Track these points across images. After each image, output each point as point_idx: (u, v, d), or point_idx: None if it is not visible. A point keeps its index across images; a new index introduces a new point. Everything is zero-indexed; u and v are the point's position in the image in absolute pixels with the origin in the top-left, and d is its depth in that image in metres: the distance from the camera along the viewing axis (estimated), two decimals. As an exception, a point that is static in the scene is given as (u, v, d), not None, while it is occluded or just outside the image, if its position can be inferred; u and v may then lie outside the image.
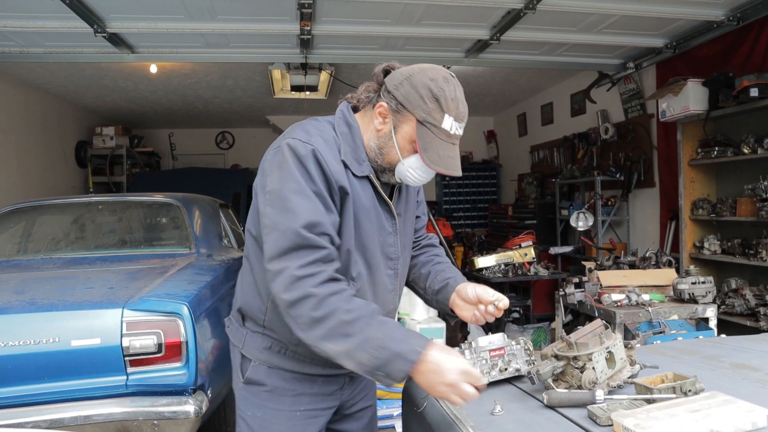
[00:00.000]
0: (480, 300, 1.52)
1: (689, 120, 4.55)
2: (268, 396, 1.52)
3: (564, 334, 1.54)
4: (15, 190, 6.35)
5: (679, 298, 3.21)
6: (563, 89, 7.47)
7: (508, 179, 9.71)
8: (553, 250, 6.19)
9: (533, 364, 1.59)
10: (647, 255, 3.60)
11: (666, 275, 3.39)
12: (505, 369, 1.57)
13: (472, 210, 9.97)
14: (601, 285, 3.34)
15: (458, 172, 1.41)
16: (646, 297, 3.16)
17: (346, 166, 1.40)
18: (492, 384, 1.54)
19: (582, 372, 1.40)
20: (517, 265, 5.19)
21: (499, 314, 1.53)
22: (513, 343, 1.62)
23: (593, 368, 1.40)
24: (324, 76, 5.97)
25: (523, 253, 5.26)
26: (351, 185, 1.40)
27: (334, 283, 1.30)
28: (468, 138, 10.50)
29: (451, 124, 1.37)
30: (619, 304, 3.15)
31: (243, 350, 1.55)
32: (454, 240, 7.72)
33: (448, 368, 1.23)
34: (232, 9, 4.03)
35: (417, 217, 1.74)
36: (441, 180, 9.96)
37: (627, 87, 5.95)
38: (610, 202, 6.08)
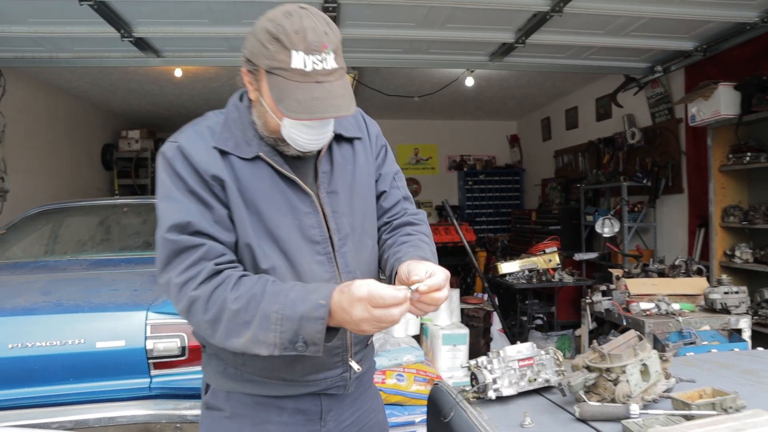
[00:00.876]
0: (409, 280, 1.17)
1: (720, 125, 4.44)
2: (227, 423, 1.35)
3: (596, 344, 1.50)
4: (42, 192, 6.46)
5: (710, 308, 3.12)
6: (588, 93, 7.38)
7: (532, 184, 9.61)
8: (578, 257, 6.10)
9: (563, 374, 1.54)
10: (677, 263, 3.51)
11: (697, 284, 3.30)
12: (534, 379, 1.53)
13: (494, 215, 9.89)
14: (629, 293, 3.26)
15: (337, 112, 1.15)
16: (676, 306, 3.08)
17: (224, 152, 1.25)
18: (521, 395, 1.50)
19: (615, 384, 1.36)
20: (541, 271, 5.11)
21: (431, 303, 1.15)
22: (542, 352, 1.57)
23: (627, 381, 1.36)
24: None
25: (547, 259, 5.18)
26: (235, 171, 1.24)
27: (217, 276, 1.17)
28: (491, 142, 10.53)
29: (304, 60, 1.13)
30: (648, 313, 3.07)
31: (205, 376, 1.42)
32: (477, 245, 7.65)
33: (352, 310, 1.07)
34: (256, 13, 3.98)
35: (384, 191, 1.48)
36: (464, 184, 9.89)
37: (654, 91, 5.84)
38: (636, 209, 5.96)
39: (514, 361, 1.53)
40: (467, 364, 1.55)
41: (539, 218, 8.03)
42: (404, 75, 6.47)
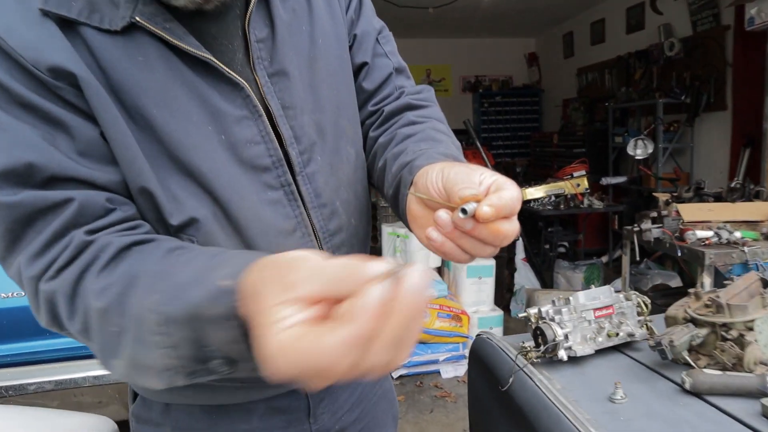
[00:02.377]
0: (449, 196, 0.62)
1: (783, 28, 3.91)
2: None
3: (699, 290, 1.14)
4: None
5: (778, 235, 2.75)
6: (617, 3, 6.73)
7: (552, 105, 9.08)
8: (605, 181, 5.71)
9: (647, 326, 1.20)
10: (734, 186, 3.11)
11: (761, 209, 2.90)
12: (616, 334, 1.18)
13: (512, 138, 9.41)
14: (682, 220, 2.89)
15: None
16: (737, 235, 2.71)
17: (68, 21, 0.63)
18: (599, 353, 1.16)
19: (742, 347, 1.00)
20: (569, 196, 4.74)
21: (492, 239, 0.60)
22: (621, 297, 1.22)
23: (755, 341, 1.00)
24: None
25: (575, 183, 4.79)
26: (95, 55, 0.65)
27: (84, 253, 0.61)
28: (507, 61, 9.94)
29: None
30: (706, 242, 2.70)
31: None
32: (494, 170, 7.28)
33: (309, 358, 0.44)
34: None
35: (364, 64, 0.90)
36: (479, 107, 9.36)
37: (698, -5, 5.23)
38: (672, 128, 5.49)
39: (589, 311, 1.17)
40: (525, 314, 1.21)
41: (561, 141, 7.58)
42: (417, -17, 5.86)
